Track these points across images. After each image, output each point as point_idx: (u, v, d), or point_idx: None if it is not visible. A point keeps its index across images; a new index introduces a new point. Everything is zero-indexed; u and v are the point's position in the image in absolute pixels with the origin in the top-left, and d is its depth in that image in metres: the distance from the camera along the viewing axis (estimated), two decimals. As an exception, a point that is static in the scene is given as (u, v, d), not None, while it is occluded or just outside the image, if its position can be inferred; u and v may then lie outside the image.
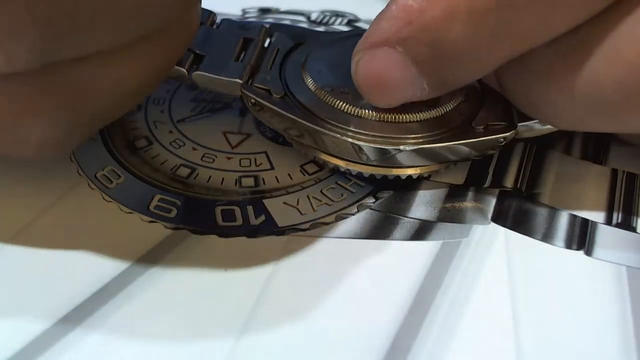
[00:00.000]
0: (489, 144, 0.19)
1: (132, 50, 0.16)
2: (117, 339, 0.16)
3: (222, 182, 0.20)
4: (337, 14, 0.27)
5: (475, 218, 0.19)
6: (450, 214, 0.19)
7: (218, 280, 0.17)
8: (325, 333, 0.16)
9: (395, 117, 0.18)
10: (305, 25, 0.27)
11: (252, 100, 0.19)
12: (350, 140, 0.18)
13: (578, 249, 0.18)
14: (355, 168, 0.19)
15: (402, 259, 0.18)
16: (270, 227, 0.18)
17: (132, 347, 0.15)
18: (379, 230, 0.18)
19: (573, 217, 0.19)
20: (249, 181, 0.20)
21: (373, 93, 0.18)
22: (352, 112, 0.19)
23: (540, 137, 0.20)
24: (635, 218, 0.19)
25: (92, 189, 0.19)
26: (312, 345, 0.16)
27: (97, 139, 0.21)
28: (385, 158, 0.19)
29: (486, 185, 0.20)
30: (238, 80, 0.19)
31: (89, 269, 0.17)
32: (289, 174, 0.20)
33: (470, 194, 0.20)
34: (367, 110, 0.18)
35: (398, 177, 0.19)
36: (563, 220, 0.19)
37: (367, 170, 0.19)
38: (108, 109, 0.17)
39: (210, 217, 0.19)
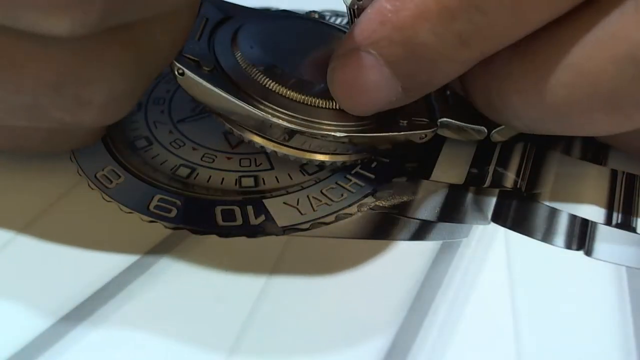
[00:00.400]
0: (410, 139, 0.19)
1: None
2: (117, 338, 0.16)
3: (222, 182, 0.20)
4: (337, 14, 0.27)
5: (475, 218, 0.19)
6: (450, 214, 0.19)
7: (218, 280, 0.17)
8: (325, 333, 0.16)
9: (323, 103, 0.18)
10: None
11: (180, 70, 0.18)
12: (274, 120, 0.18)
13: (578, 249, 0.18)
14: (274, 148, 0.19)
15: (402, 259, 0.18)
16: (270, 227, 0.18)
17: (132, 347, 0.15)
18: (379, 230, 0.18)
19: (573, 217, 0.19)
20: (249, 181, 0.20)
21: (348, 99, 0.18)
22: (281, 93, 0.18)
23: (540, 137, 0.20)
24: (634, 218, 0.19)
25: (92, 189, 0.19)
26: (312, 345, 0.16)
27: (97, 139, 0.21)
28: (305, 142, 0.18)
29: (486, 185, 0.20)
30: None
31: (89, 268, 0.17)
32: (288, 174, 0.20)
33: (470, 194, 0.20)
34: (296, 93, 0.18)
35: (316, 162, 0.19)
36: (563, 221, 0.19)
37: (282, 151, 0.19)
38: (161, 65, 0.17)
39: (210, 217, 0.19)
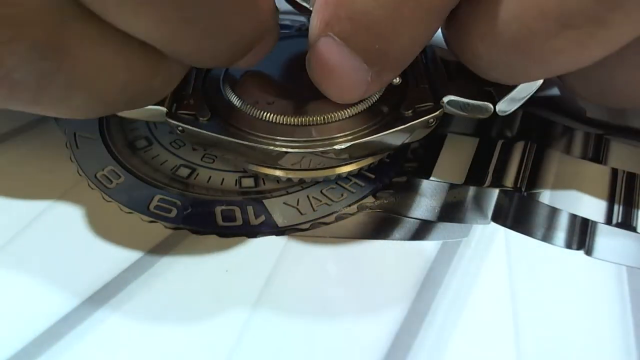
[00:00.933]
0: (420, 126, 0.19)
1: None
2: (117, 339, 0.16)
3: (222, 183, 0.20)
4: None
5: (475, 218, 0.19)
6: (450, 214, 0.19)
7: (218, 280, 0.17)
8: (325, 333, 0.16)
9: (322, 119, 0.18)
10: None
11: (180, 129, 0.18)
12: (280, 149, 0.18)
13: (578, 248, 0.18)
14: (294, 175, 0.19)
15: (402, 259, 0.18)
16: (270, 227, 0.18)
17: (132, 347, 0.15)
18: (379, 230, 0.18)
19: (573, 217, 0.19)
20: (249, 181, 0.20)
21: (327, 87, 0.18)
22: (279, 122, 0.18)
23: (539, 137, 0.20)
24: (635, 218, 0.19)
25: (92, 189, 0.19)
26: (312, 345, 0.16)
27: (97, 139, 0.21)
28: (320, 160, 0.18)
29: (486, 184, 0.20)
30: (162, 109, 0.18)
31: (89, 268, 0.17)
32: (289, 174, 0.20)
33: (470, 194, 0.20)
34: (293, 118, 0.18)
35: (338, 175, 0.20)
36: (563, 220, 0.19)
37: (307, 176, 0.19)
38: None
39: (211, 217, 0.19)
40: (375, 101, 0.19)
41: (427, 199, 0.19)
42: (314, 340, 0.16)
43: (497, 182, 0.20)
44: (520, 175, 0.20)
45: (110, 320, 0.16)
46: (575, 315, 0.16)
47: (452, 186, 0.20)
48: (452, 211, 0.19)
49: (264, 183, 0.20)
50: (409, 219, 0.19)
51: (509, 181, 0.20)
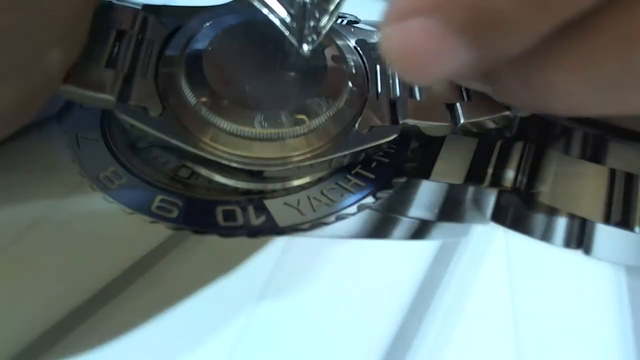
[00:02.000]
0: (374, 149, 0.19)
1: None
2: (117, 339, 0.16)
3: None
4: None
5: (474, 217, 0.19)
6: (449, 214, 0.19)
7: (219, 280, 0.17)
8: (325, 333, 0.16)
9: (275, 134, 0.18)
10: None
11: (129, 123, 0.17)
12: (230, 164, 0.17)
13: (576, 248, 0.18)
14: (241, 186, 0.19)
15: (402, 259, 0.18)
16: (270, 228, 0.18)
17: (133, 347, 0.16)
18: (379, 230, 0.18)
19: (571, 217, 0.19)
20: (250, 182, 0.20)
21: (410, 70, 0.16)
22: (232, 131, 0.17)
23: (538, 137, 0.20)
24: (633, 217, 0.19)
25: (95, 190, 0.19)
26: (312, 345, 0.16)
27: (99, 140, 0.21)
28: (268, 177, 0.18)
29: (485, 184, 0.20)
30: (110, 98, 0.17)
31: (91, 269, 0.17)
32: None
33: (469, 194, 0.20)
34: (247, 128, 0.17)
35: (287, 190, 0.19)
36: (562, 220, 0.19)
37: (255, 188, 0.19)
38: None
39: (212, 218, 0.19)
40: (330, 116, 0.18)
41: (426, 199, 0.19)
42: (314, 340, 0.16)
43: (496, 182, 0.20)
44: (519, 175, 0.20)
45: (112, 320, 0.16)
46: (574, 314, 0.17)
47: (451, 186, 0.20)
48: (451, 211, 0.19)
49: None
50: (409, 219, 0.19)
51: (508, 181, 0.20)
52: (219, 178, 0.19)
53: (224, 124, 0.17)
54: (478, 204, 0.19)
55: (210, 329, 0.16)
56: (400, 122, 0.19)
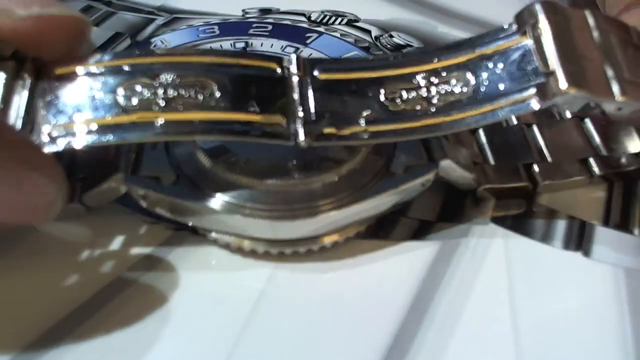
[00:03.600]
0: (413, 189, 0.17)
1: None
2: (117, 339, 0.16)
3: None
4: (337, 14, 0.27)
5: (474, 218, 0.19)
6: (449, 214, 0.19)
7: (219, 280, 0.17)
8: (325, 332, 0.16)
9: (300, 184, 0.16)
10: (305, 25, 0.27)
11: (141, 193, 0.17)
12: (255, 218, 0.16)
13: (576, 250, 0.18)
14: (271, 249, 0.17)
15: (402, 259, 0.18)
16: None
17: (133, 347, 0.16)
18: (379, 230, 0.18)
19: (571, 219, 0.19)
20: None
21: None
22: (254, 186, 0.16)
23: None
24: (632, 220, 0.19)
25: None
26: (312, 345, 0.16)
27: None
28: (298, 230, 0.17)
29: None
30: (119, 175, 0.17)
31: (91, 269, 0.17)
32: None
33: (470, 194, 0.20)
34: (270, 181, 0.16)
35: (322, 247, 0.17)
36: (561, 222, 0.19)
37: (286, 250, 0.17)
38: None
39: (212, 217, 0.19)
40: (361, 159, 0.17)
41: (427, 199, 0.19)
42: (314, 340, 0.16)
43: (496, 183, 0.20)
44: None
45: (111, 321, 0.16)
46: (573, 316, 0.17)
47: (451, 186, 0.20)
48: (451, 212, 0.19)
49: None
50: (409, 219, 0.19)
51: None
52: (247, 245, 0.17)
53: (246, 180, 0.16)
54: (478, 204, 0.19)
55: (210, 329, 0.16)
56: (441, 162, 0.17)
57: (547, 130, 0.20)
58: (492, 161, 0.19)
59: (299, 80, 0.17)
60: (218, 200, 0.16)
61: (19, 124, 0.15)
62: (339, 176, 0.17)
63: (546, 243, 0.18)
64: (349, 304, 0.17)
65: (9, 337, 0.16)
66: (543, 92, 0.16)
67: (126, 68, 0.16)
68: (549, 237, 0.18)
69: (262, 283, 0.17)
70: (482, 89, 0.17)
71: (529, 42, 0.16)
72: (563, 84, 0.15)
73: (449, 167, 0.17)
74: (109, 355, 0.15)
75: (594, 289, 0.17)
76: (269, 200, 0.16)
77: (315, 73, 0.17)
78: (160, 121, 0.15)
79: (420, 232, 0.19)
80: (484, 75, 0.17)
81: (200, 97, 0.16)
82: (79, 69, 0.16)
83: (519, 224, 0.19)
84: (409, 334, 0.16)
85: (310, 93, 0.16)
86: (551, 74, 0.16)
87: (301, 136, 0.16)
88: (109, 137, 0.15)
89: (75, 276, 0.17)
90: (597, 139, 0.20)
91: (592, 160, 0.19)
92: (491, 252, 0.18)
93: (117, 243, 0.18)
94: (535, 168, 0.19)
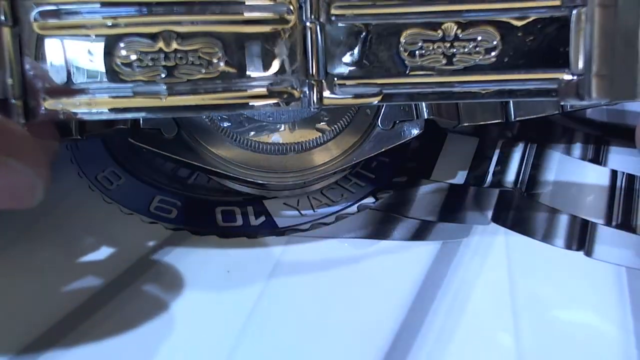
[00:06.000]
0: (400, 143, 0.18)
1: None
2: (117, 339, 0.16)
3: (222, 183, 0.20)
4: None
5: (475, 218, 0.19)
6: (450, 214, 0.19)
7: (218, 280, 0.17)
8: (325, 333, 0.16)
9: (300, 146, 0.18)
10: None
11: (144, 148, 0.17)
12: (254, 180, 0.17)
13: (578, 249, 0.18)
14: (268, 194, 0.19)
15: (402, 259, 0.18)
16: (270, 228, 0.18)
17: (132, 347, 0.15)
18: (379, 230, 0.18)
19: (573, 218, 0.19)
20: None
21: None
22: (254, 147, 0.18)
23: (539, 138, 0.20)
24: (634, 219, 0.19)
25: (93, 190, 0.19)
26: (312, 345, 0.16)
27: (97, 141, 0.21)
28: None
29: (486, 185, 0.20)
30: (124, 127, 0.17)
31: (90, 269, 0.17)
32: (289, 175, 0.20)
33: (470, 194, 0.20)
34: (270, 146, 0.17)
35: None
36: (563, 221, 0.19)
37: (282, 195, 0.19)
38: None
39: (211, 218, 0.19)
40: (350, 120, 0.18)
41: (427, 199, 0.19)
42: (314, 340, 0.16)
43: (497, 183, 0.20)
44: (521, 176, 0.20)
45: (111, 320, 0.16)
46: (575, 316, 0.16)
47: (452, 186, 0.20)
48: (452, 211, 0.19)
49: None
50: (409, 219, 0.19)
51: (509, 182, 0.20)
52: (240, 187, 0.19)
53: (245, 140, 0.17)
54: (479, 204, 0.19)
55: (210, 329, 0.16)
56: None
57: None
58: None
59: (311, 26, 0.15)
60: (214, 157, 0.17)
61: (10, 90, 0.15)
62: (329, 138, 0.18)
63: (548, 242, 0.18)
64: (350, 304, 0.17)
65: (7, 337, 0.16)
66: (566, 90, 0.15)
67: (124, 23, 0.15)
68: (550, 236, 0.18)
69: (261, 284, 0.17)
70: (506, 59, 0.15)
71: (572, 20, 0.15)
72: (592, 92, 0.15)
73: (435, 120, 0.18)
74: (109, 354, 0.15)
75: (596, 289, 0.17)
76: (263, 155, 0.17)
77: (333, 12, 0.15)
78: (163, 97, 0.15)
79: (420, 232, 0.18)
80: (512, 41, 0.15)
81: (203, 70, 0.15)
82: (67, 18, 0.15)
83: (520, 223, 0.19)
84: (409, 334, 0.16)
85: (321, 45, 0.15)
86: (580, 73, 0.15)
87: (313, 98, 0.15)
88: (110, 115, 0.15)
89: (74, 277, 0.17)
90: None
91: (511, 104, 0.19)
92: (492, 252, 0.18)
93: (116, 243, 0.18)
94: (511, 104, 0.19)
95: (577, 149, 0.21)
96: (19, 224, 0.18)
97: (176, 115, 0.17)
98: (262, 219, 0.19)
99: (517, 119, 0.19)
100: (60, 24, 0.15)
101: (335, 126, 0.18)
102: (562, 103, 0.15)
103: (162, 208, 0.19)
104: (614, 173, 0.21)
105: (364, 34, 0.15)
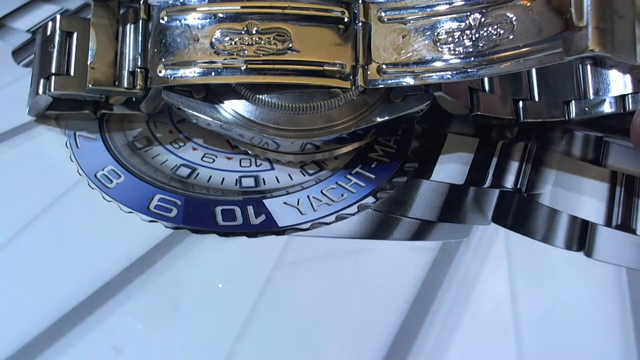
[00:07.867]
0: (409, 116, 0.19)
1: None
2: (117, 338, 0.16)
3: (222, 182, 0.20)
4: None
5: (475, 218, 0.19)
6: (450, 214, 0.19)
7: (218, 279, 0.17)
8: (325, 333, 0.16)
9: (314, 106, 0.19)
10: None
11: (176, 106, 0.19)
12: (271, 137, 0.19)
13: (578, 250, 0.18)
14: (284, 158, 0.20)
15: (402, 259, 0.18)
16: (270, 227, 0.18)
17: (132, 346, 0.15)
18: (379, 230, 0.18)
19: (573, 219, 0.19)
20: (249, 181, 0.20)
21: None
22: (273, 106, 0.19)
23: (539, 138, 0.20)
24: (634, 220, 0.19)
25: (92, 188, 0.19)
26: (312, 345, 0.16)
27: (97, 139, 0.21)
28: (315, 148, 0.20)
29: (486, 185, 0.20)
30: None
31: (89, 268, 0.17)
32: (289, 175, 0.20)
33: (470, 194, 0.20)
34: (288, 104, 0.19)
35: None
36: (563, 222, 0.19)
37: (306, 159, 0.20)
38: None
39: (211, 217, 0.19)
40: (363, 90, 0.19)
41: (427, 199, 0.19)
42: (314, 340, 0.16)
43: (497, 183, 0.20)
44: (521, 176, 0.20)
45: (110, 319, 0.16)
46: (575, 316, 0.16)
47: (452, 187, 0.20)
48: (452, 212, 0.19)
49: (264, 183, 0.20)
50: (409, 219, 0.19)
51: (509, 182, 0.20)
52: (270, 155, 0.20)
53: (268, 100, 0.19)
54: (479, 204, 0.19)
55: (210, 328, 0.16)
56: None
57: (541, 69, 0.21)
58: (487, 90, 0.21)
59: (362, 25, 0.19)
60: (236, 115, 0.19)
61: (139, 62, 0.19)
62: (343, 104, 0.19)
63: (548, 243, 0.18)
64: (350, 304, 0.17)
65: (6, 336, 0.15)
66: (569, 47, 0.16)
67: (220, 15, 0.19)
68: (550, 236, 0.18)
69: (261, 283, 0.17)
70: (521, 35, 0.17)
71: None
72: (589, 42, 0.16)
73: (442, 98, 0.19)
74: (109, 354, 0.15)
75: (596, 289, 0.17)
76: (279, 113, 0.19)
77: (379, 14, 0.19)
78: (243, 67, 0.18)
79: (420, 232, 0.18)
80: (523, 18, 0.17)
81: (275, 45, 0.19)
82: (183, 14, 0.19)
83: (520, 224, 0.19)
84: (410, 334, 0.16)
85: (369, 36, 0.19)
86: (581, 28, 0.16)
87: (359, 80, 0.19)
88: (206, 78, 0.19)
89: (73, 275, 0.17)
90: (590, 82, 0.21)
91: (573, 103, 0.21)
92: (492, 253, 0.18)
93: (116, 241, 0.18)
94: (521, 104, 0.21)
95: (577, 149, 0.21)
96: (16, 222, 0.18)
97: (249, 82, 0.19)
98: (262, 218, 0.19)
99: (526, 120, 0.20)
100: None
101: (349, 93, 0.19)
102: (567, 59, 0.17)
103: (161, 207, 0.19)
104: (613, 174, 0.21)
105: (404, 29, 0.19)
